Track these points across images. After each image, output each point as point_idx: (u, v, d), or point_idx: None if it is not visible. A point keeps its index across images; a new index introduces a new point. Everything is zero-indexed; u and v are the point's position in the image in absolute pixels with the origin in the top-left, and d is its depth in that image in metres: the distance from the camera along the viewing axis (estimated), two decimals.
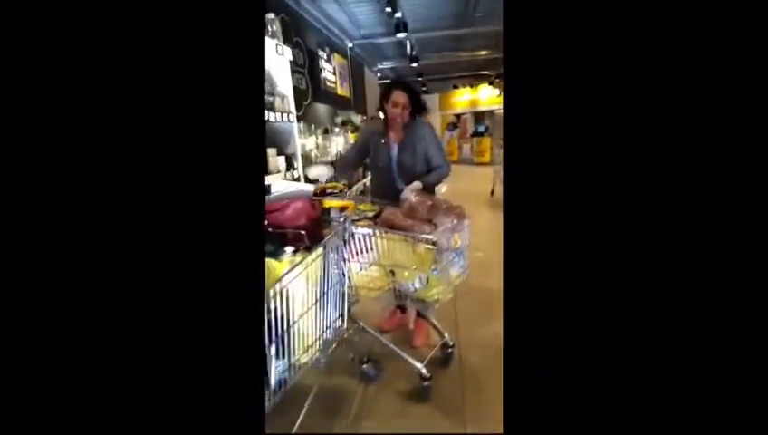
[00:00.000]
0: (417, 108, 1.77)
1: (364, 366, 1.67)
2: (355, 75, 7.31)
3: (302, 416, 1.32)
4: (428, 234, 1.34)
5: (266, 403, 1.03)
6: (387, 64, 10.18)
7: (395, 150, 1.80)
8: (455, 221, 1.40)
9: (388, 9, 4.77)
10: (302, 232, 1.33)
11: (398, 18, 5.02)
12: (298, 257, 1.19)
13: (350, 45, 6.89)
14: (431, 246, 1.33)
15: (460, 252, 1.45)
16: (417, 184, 1.69)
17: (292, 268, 1.13)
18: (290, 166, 2.90)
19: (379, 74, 10.22)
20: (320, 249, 1.25)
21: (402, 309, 1.96)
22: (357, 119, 5.24)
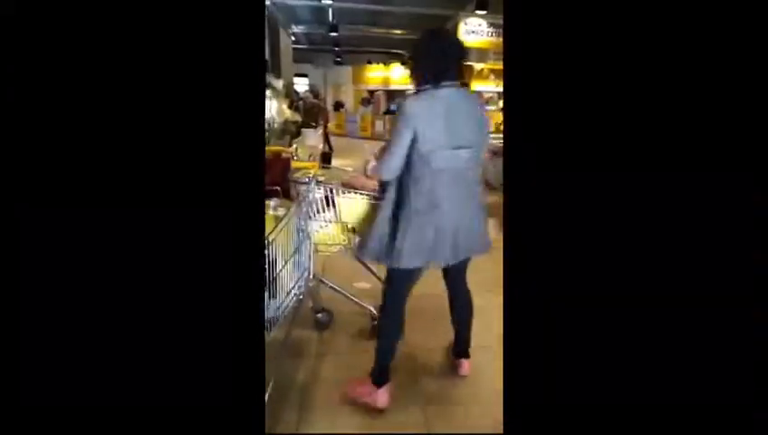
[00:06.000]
0: None
1: (318, 315, 1.84)
2: (272, 37, 6.91)
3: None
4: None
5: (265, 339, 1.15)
6: (301, 29, 9.74)
7: None
8: None
9: None
10: (277, 188, 1.43)
11: None
12: (280, 211, 1.30)
13: (268, 3, 6.49)
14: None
15: None
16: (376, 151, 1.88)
17: (279, 222, 1.24)
18: None
19: (293, 38, 9.76)
20: (295, 206, 1.37)
21: None
22: (278, 83, 5.05)
